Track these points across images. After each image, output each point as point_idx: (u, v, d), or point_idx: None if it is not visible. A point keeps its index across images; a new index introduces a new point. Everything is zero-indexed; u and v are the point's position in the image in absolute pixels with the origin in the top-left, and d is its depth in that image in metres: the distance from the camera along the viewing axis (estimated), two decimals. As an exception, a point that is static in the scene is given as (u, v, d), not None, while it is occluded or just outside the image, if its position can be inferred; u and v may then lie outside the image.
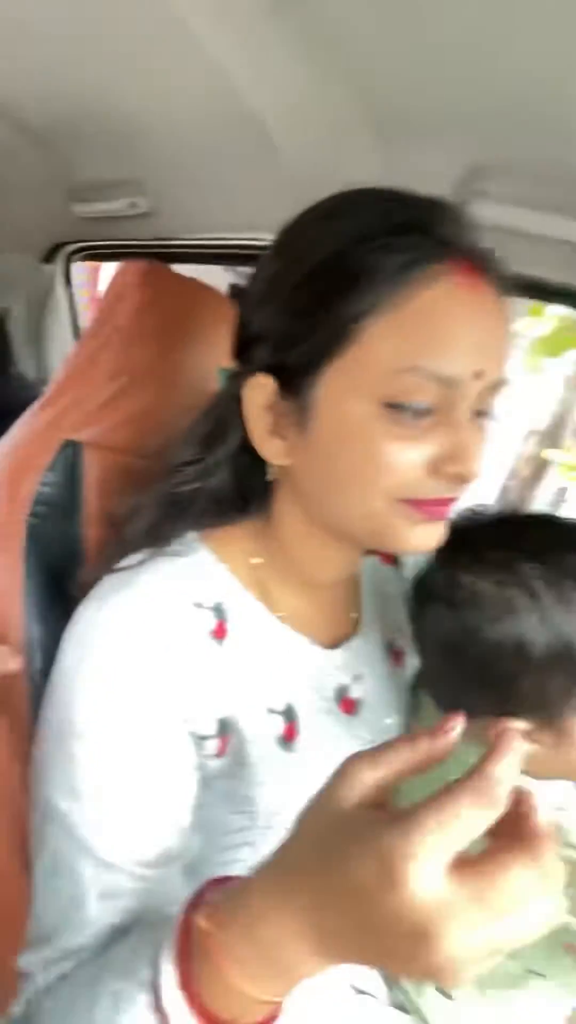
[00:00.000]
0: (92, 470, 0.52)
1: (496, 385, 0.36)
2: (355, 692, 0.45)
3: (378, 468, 0.34)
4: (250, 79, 0.52)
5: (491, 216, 0.64)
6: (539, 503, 2.87)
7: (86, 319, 1.17)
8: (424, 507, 0.36)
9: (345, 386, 0.34)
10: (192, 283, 0.60)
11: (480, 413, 0.36)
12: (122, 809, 0.35)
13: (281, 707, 0.41)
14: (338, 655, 0.45)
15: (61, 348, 1.16)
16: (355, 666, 0.46)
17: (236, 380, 0.40)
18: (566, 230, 0.61)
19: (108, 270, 1.27)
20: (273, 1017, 0.27)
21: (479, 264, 0.34)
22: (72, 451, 0.51)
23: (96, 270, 1.47)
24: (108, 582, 0.39)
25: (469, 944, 0.20)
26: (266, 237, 0.45)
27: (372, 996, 0.43)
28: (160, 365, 0.55)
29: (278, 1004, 0.27)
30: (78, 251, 1.06)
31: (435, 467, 0.34)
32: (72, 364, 0.58)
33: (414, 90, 0.50)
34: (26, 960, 0.36)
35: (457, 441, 0.34)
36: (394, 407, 0.33)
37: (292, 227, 0.38)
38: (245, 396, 0.38)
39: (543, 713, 0.39)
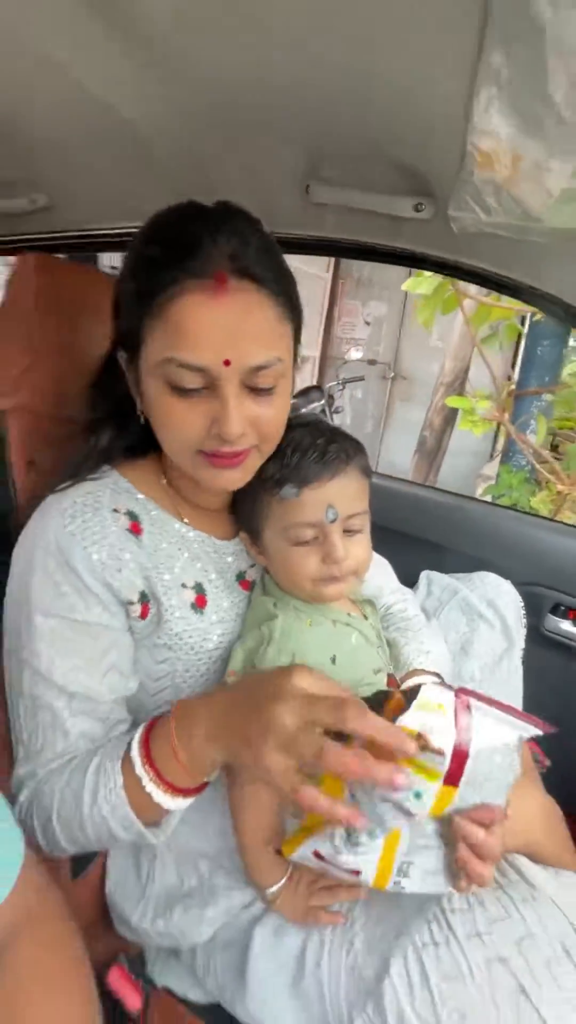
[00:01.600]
0: (14, 431, 0.64)
1: (258, 367, 0.47)
2: (250, 575, 0.60)
3: (171, 429, 0.49)
4: (111, 96, 0.62)
5: (330, 197, 0.79)
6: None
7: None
8: (213, 459, 0.50)
9: (145, 369, 0.49)
10: (81, 269, 0.71)
11: (254, 389, 0.48)
12: (77, 654, 0.49)
13: (192, 584, 0.55)
14: (232, 545, 0.60)
15: None
16: (248, 555, 0.61)
17: (113, 351, 0.53)
18: (386, 204, 0.76)
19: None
20: (199, 790, 0.47)
21: (233, 275, 0.45)
22: (-3, 417, 0.63)
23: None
24: (46, 501, 0.52)
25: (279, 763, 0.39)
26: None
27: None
28: (61, 340, 0.67)
29: (203, 785, 0.47)
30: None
31: (207, 430, 0.48)
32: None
33: (253, 90, 0.60)
34: (17, 776, 0.49)
35: (218, 410, 0.47)
36: (170, 386, 0.47)
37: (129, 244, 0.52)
38: (120, 362, 0.52)
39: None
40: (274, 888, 0.52)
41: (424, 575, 0.92)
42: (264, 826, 0.52)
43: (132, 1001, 0.54)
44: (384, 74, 0.52)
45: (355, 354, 4.39)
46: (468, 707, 0.42)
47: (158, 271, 0.45)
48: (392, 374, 4.58)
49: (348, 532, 0.54)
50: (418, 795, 0.42)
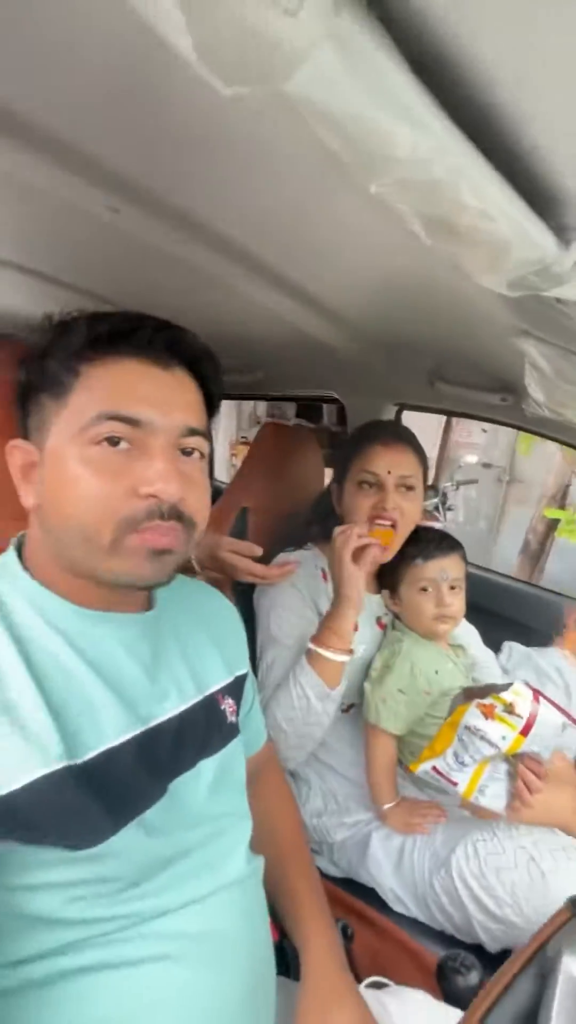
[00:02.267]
0: (251, 520, 1.14)
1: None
2: (384, 620, 1.01)
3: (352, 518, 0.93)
4: (304, 325, 1.16)
5: (445, 390, 1.25)
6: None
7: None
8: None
9: (346, 490, 0.92)
10: (301, 430, 1.24)
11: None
12: (294, 633, 0.93)
13: None
14: (375, 597, 1.02)
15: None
16: (383, 606, 1.02)
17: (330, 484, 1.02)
18: (483, 397, 1.20)
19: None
20: (349, 650, 0.83)
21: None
22: (244, 512, 1.13)
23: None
24: (278, 557, 0.99)
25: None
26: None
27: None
28: (284, 472, 1.18)
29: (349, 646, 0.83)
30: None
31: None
32: (243, 473, 1.21)
33: (409, 332, 1.11)
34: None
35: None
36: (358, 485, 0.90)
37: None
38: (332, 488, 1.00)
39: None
40: (387, 806, 0.86)
41: (506, 644, 1.23)
42: (386, 762, 0.88)
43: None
44: (481, 329, 0.96)
45: (470, 458, 4.75)
46: (538, 697, 0.78)
47: (364, 438, 0.92)
48: (507, 478, 4.83)
49: (452, 588, 0.93)
50: (503, 737, 0.76)
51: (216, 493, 1.28)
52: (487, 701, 0.79)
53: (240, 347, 1.43)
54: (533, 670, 1.15)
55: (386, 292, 0.86)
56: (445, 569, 0.93)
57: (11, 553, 0.50)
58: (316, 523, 1.04)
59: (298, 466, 1.20)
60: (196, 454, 0.49)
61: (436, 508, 4.09)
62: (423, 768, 0.80)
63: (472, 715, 0.79)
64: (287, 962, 0.58)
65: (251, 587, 1.02)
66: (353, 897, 0.83)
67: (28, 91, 0.43)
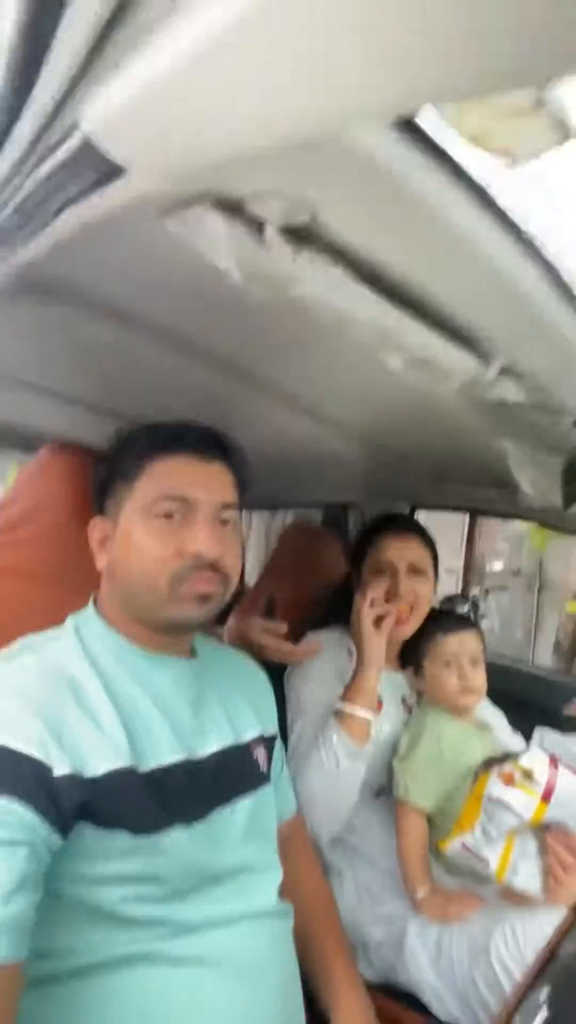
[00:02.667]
0: (278, 607, 1.25)
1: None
2: (408, 700, 1.06)
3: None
4: (334, 443, 1.36)
5: (450, 488, 1.41)
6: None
7: None
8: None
9: (365, 580, 1.04)
10: (321, 532, 1.39)
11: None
12: (322, 702, 0.98)
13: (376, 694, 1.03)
14: (398, 675, 1.07)
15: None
16: (406, 685, 1.07)
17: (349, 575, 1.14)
18: (484, 492, 1.34)
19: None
20: (377, 706, 0.87)
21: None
22: (270, 600, 1.24)
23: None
24: (307, 636, 1.07)
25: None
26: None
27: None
28: (307, 568, 1.31)
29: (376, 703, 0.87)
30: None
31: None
32: (271, 567, 1.34)
33: (420, 445, 1.29)
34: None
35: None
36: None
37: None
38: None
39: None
40: (421, 894, 0.84)
41: (537, 729, 1.22)
42: (418, 841, 0.87)
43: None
44: (469, 434, 1.13)
45: (497, 565, 4.78)
46: (556, 762, 0.81)
47: (376, 529, 1.05)
48: (538, 584, 4.78)
49: (473, 663, 0.99)
50: (525, 806, 0.78)
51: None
52: (506, 768, 0.81)
53: (260, 460, 1.64)
54: (565, 755, 1.13)
55: (389, 410, 1.05)
56: (465, 642, 1.01)
57: (90, 606, 0.64)
58: (339, 605, 1.14)
59: (319, 561, 1.34)
60: (230, 524, 0.63)
61: (468, 614, 4.05)
62: (453, 846, 0.80)
63: (493, 784, 0.81)
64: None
65: (282, 668, 1.10)
66: (392, 1002, 0.78)
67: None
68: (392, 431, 1.17)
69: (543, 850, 0.78)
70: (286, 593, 1.28)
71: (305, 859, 0.76)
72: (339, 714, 0.88)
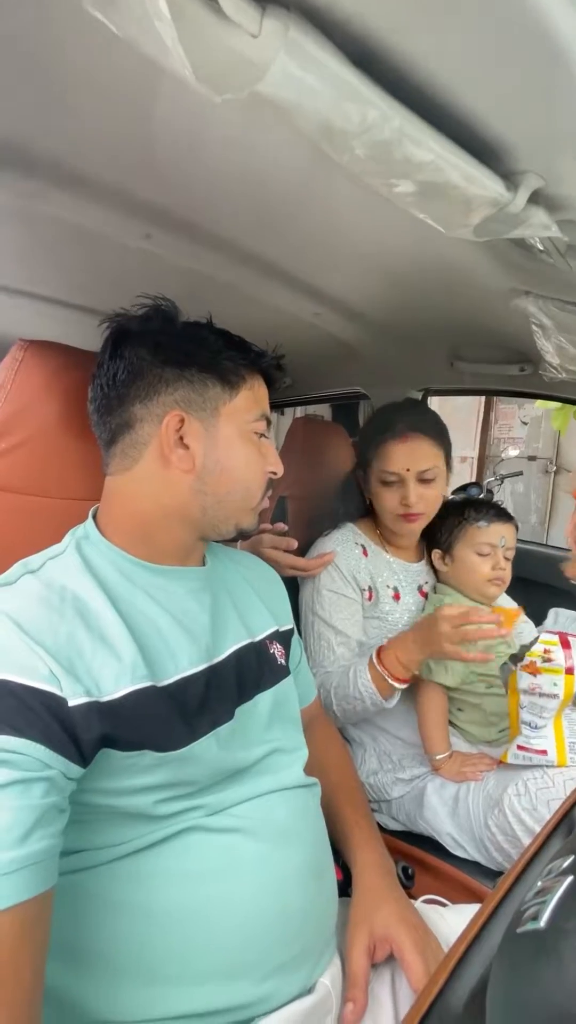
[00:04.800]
0: (290, 507, 1.21)
1: (424, 470, 0.95)
2: (425, 588, 1.05)
3: (381, 504, 0.99)
4: (330, 327, 1.24)
5: (466, 368, 1.30)
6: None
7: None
8: (405, 518, 0.98)
9: (372, 477, 1.00)
10: (328, 425, 1.31)
11: (423, 481, 0.95)
12: (342, 611, 0.98)
13: (392, 586, 1.02)
14: (416, 566, 1.06)
15: None
16: (425, 574, 1.06)
17: (353, 471, 1.10)
18: (503, 370, 1.24)
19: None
20: (407, 680, 0.87)
21: (412, 431, 0.93)
22: (283, 500, 1.21)
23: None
24: (320, 539, 1.06)
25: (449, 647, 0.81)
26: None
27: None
28: (312, 466, 1.26)
29: (410, 677, 0.87)
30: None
31: (400, 503, 0.97)
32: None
33: (424, 319, 1.17)
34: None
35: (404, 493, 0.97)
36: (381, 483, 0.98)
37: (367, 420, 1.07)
38: (357, 477, 1.07)
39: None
40: (439, 756, 0.89)
41: (552, 610, 1.23)
42: (438, 713, 0.92)
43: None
44: (486, 299, 1.01)
45: (512, 451, 4.66)
46: (566, 638, 0.83)
47: (379, 433, 0.99)
48: (554, 468, 4.69)
49: (507, 556, 0.98)
50: (555, 684, 0.81)
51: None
52: (526, 661, 0.84)
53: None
54: (580, 631, 1.15)
55: (391, 279, 0.92)
56: (505, 536, 0.99)
57: (90, 521, 0.60)
58: (348, 503, 1.10)
59: (328, 456, 1.28)
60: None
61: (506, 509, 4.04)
62: (512, 754, 0.84)
63: (522, 678, 0.85)
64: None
65: (292, 581, 1.10)
66: (412, 846, 0.86)
67: (60, 130, 0.53)
68: (400, 306, 1.05)
69: None
70: (296, 490, 1.24)
71: (327, 737, 0.80)
72: (373, 669, 0.87)
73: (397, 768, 0.95)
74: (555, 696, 0.81)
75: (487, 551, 0.98)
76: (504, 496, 4.62)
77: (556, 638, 0.83)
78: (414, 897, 0.72)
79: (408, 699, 0.98)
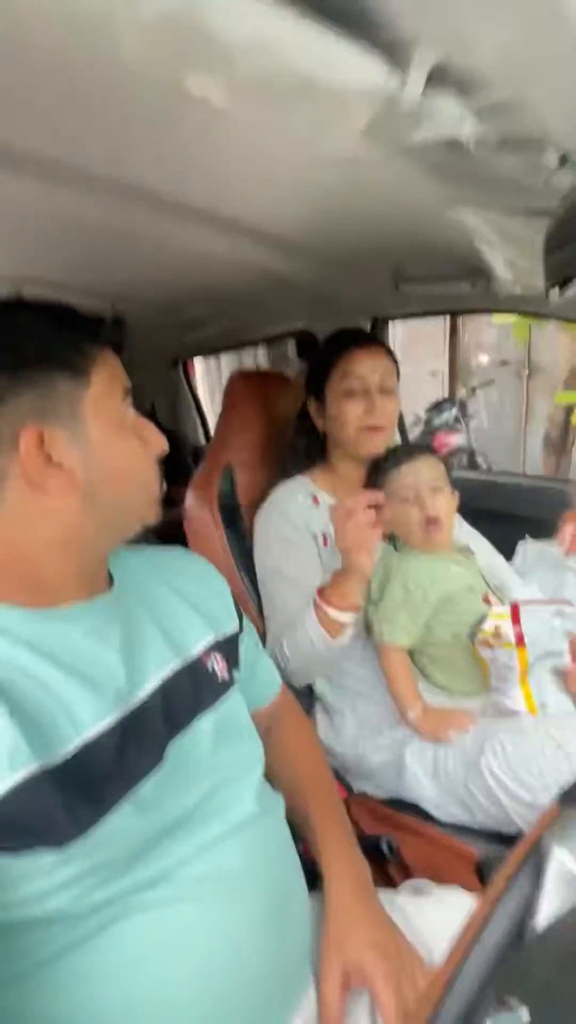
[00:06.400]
0: (238, 477, 1.11)
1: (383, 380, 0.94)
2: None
3: (344, 418, 0.90)
4: (269, 256, 1.09)
5: (412, 290, 1.15)
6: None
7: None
8: (368, 431, 0.94)
9: (330, 397, 0.91)
10: (271, 375, 1.19)
11: (385, 392, 0.94)
12: (294, 559, 0.92)
13: None
14: None
15: (191, 420, 1.87)
16: None
17: (302, 410, 0.99)
18: (455, 287, 1.09)
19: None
20: (349, 609, 0.83)
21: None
22: (229, 470, 1.11)
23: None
24: (274, 492, 0.98)
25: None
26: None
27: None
28: (261, 421, 1.14)
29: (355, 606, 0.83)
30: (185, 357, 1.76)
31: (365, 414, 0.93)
32: (220, 430, 1.18)
33: (367, 237, 1.02)
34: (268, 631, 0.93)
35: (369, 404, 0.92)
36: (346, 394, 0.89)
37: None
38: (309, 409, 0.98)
39: None
40: (412, 713, 0.87)
41: (520, 546, 1.18)
42: (402, 672, 0.90)
43: (343, 792, 0.92)
44: (424, 214, 0.86)
45: (483, 358, 4.48)
46: (516, 610, 0.81)
47: (340, 347, 0.92)
48: (527, 372, 4.54)
49: (433, 491, 0.91)
50: (510, 656, 0.80)
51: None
52: (479, 637, 0.84)
53: (198, 301, 1.37)
54: (550, 566, 1.10)
55: (319, 203, 0.79)
56: (419, 471, 0.92)
57: None
58: (297, 455, 1.01)
59: (275, 410, 1.16)
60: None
61: (456, 420, 3.91)
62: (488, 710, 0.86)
63: (481, 650, 0.85)
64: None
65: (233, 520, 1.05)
66: (399, 813, 0.85)
67: None
68: (333, 231, 0.91)
69: (558, 671, 0.83)
70: (244, 455, 1.13)
71: (294, 729, 0.75)
72: (318, 609, 0.84)
73: (375, 732, 0.93)
74: (512, 668, 0.81)
75: (408, 496, 0.91)
76: (478, 408, 4.50)
77: (507, 611, 0.82)
78: (395, 881, 0.71)
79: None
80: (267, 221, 0.88)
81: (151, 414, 1.98)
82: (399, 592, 0.90)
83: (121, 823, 0.43)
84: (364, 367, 0.94)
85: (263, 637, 0.95)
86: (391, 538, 0.98)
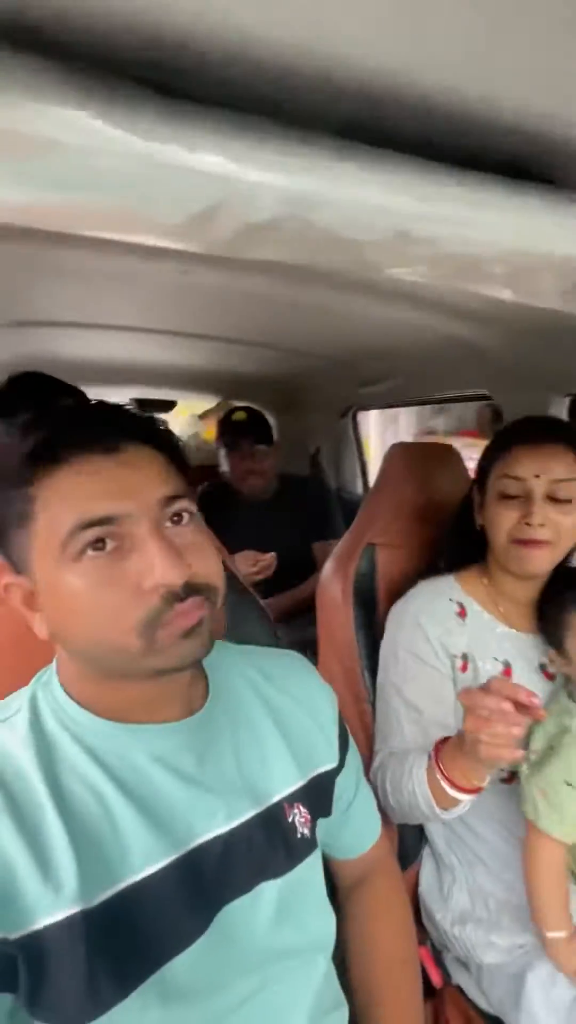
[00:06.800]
0: (380, 557, 1.01)
1: (559, 480, 0.74)
2: (551, 668, 0.79)
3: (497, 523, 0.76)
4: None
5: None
6: None
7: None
8: (524, 544, 0.75)
9: (489, 492, 0.78)
10: (436, 447, 1.07)
11: (555, 500, 0.74)
12: (417, 681, 0.78)
13: (502, 659, 0.78)
14: (534, 638, 0.81)
15: (351, 469, 1.83)
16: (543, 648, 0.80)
17: (468, 494, 0.86)
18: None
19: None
20: (475, 791, 0.64)
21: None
22: (371, 549, 1.01)
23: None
24: (404, 597, 0.85)
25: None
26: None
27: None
28: (418, 500, 1.02)
29: (478, 788, 0.64)
30: (357, 409, 1.72)
31: (520, 521, 0.76)
32: (369, 504, 1.09)
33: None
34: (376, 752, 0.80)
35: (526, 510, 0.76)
36: (501, 496, 0.77)
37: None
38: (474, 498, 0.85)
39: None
40: (553, 935, 0.66)
41: None
42: (552, 875, 0.68)
43: (436, 978, 0.75)
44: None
45: None
46: None
47: (498, 445, 0.78)
48: None
49: None
50: None
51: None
52: None
53: (374, 359, 1.32)
54: None
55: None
56: None
57: (55, 665, 0.49)
58: (454, 544, 0.87)
59: (435, 489, 1.03)
60: (185, 516, 0.45)
61: None
62: None
63: None
64: None
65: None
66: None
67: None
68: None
69: None
70: (391, 535, 1.02)
71: (382, 900, 0.62)
72: (431, 773, 0.67)
73: (492, 924, 0.74)
74: None
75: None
76: None
77: None
78: None
79: (518, 821, 0.74)
80: (449, 294, 0.79)
81: (313, 459, 1.98)
82: (575, 772, 0.69)
83: (134, 1015, 0.37)
84: (528, 468, 0.74)
85: (370, 752, 0.83)
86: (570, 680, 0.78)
